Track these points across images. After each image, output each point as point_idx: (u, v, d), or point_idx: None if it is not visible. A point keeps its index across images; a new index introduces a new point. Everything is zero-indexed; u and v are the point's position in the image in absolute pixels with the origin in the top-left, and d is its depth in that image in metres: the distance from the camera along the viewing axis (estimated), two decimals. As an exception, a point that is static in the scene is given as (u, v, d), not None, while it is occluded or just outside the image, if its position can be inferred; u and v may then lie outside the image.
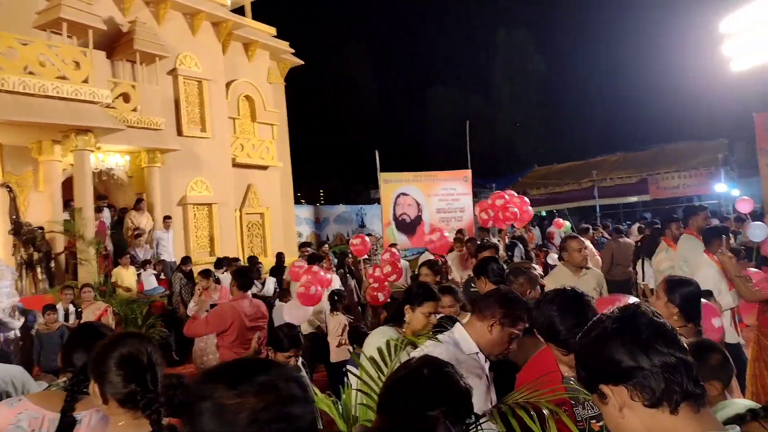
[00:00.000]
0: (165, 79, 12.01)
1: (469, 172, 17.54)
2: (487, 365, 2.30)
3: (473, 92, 34.19)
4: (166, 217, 11.23)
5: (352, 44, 36.33)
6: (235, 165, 13.72)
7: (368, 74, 35.41)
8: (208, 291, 5.79)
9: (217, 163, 12.85)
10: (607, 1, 31.93)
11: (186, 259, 9.56)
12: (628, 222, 20.17)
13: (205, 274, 6.76)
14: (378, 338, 2.86)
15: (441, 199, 17.44)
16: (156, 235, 11.02)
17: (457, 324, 2.43)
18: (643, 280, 6.69)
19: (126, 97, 10.88)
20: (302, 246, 11.34)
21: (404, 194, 17.16)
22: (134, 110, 10.97)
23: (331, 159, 32.44)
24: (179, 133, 12.11)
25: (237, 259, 10.34)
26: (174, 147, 11.73)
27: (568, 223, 16.38)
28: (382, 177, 16.61)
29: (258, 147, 14.49)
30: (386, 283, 6.37)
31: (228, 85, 13.79)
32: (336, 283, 7.15)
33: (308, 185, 27.06)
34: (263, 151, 14.62)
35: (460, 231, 11.28)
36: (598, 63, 32.52)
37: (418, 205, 17.33)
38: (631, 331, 1.11)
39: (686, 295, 2.67)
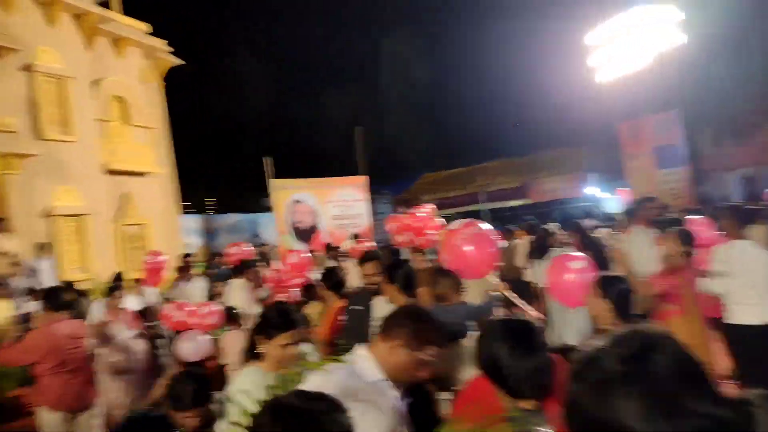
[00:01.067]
0: (18, 76, 10.63)
1: (363, 179, 17.48)
2: (396, 394, 1.92)
3: (362, 98, 34.41)
4: (44, 245, 9.80)
5: (238, 45, 35.13)
6: (109, 172, 12.48)
7: (256, 77, 34.36)
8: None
9: (86, 170, 11.60)
10: (486, 14, 33.68)
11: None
12: (510, 225, 21.12)
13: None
14: (243, 383, 2.38)
15: (336, 206, 17.18)
16: (29, 264, 9.32)
17: (360, 347, 2.09)
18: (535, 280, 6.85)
19: (-30, 94, 9.47)
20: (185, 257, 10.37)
21: (299, 201, 16.70)
22: (-19, 110, 9.57)
23: (220, 166, 30.92)
24: (39, 136, 10.76)
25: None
26: (32, 152, 10.41)
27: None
28: (274, 184, 16.01)
29: (133, 152, 13.30)
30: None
31: (95, 83, 12.53)
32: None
33: (196, 194, 25.50)
34: (140, 156, 13.46)
35: (355, 236, 11.08)
36: (479, 72, 34.14)
37: (313, 212, 16.94)
38: (646, 379, 0.77)
39: (620, 292, 2.64)
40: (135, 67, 13.91)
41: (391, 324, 1.99)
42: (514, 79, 31.23)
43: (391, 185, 28.12)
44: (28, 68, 10.81)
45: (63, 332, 4.22)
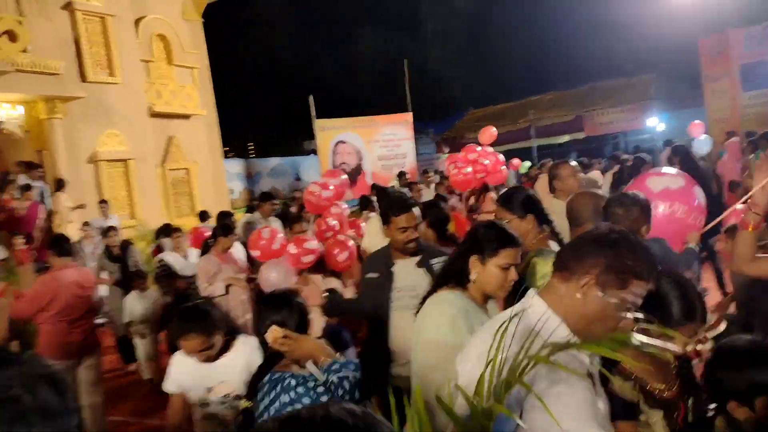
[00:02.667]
0: (60, 15, 10.16)
1: (410, 116, 16.71)
2: (586, 357, 1.40)
3: (402, 32, 32.86)
4: (102, 201, 9.58)
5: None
6: (153, 115, 12.10)
7: (291, 15, 33.18)
8: None
9: (131, 113, 11.24)
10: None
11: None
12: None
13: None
14: (443, 309, 2.01)
15: (382, 146, 16.57)
16: (98, 224, 8.83)
17: (530, 291, 1.53)
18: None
19: (12, 36, 9.07)
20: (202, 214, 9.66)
21: (342, 142, 16.12)
22: (24, 51, 9.19)
23: (258, 108, 30.37)
24: (83, 78, 10.39)
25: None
26: (78, 94, 10.06)
27: (526, 162, 15.92)
28: (318, 124, 15.43)
29: (178, 93, 12.85)
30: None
31: (137, 22, 11.98)
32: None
33: (236, 137, 25.19)
34: (184, 98, 13.01)
35: (401, 174, 10.43)
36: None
37: (358, 152, 16.38)
38: None
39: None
40: (176, 2, 13.24)
41: (576, 255, 1.44)
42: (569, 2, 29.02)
43: (434, 123, 27.14)
44: (68, 7, 10.32)
45: (68, 279, 4.09)
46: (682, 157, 5.74)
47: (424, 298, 2.15)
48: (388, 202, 2.90)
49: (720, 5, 12.42)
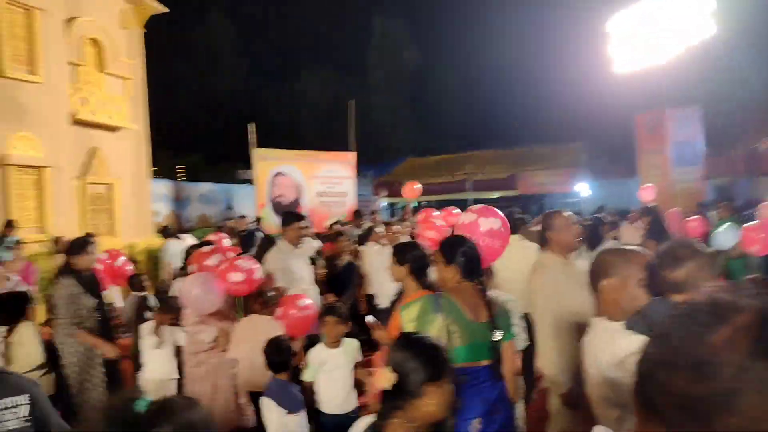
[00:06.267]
0: (-22, 0, 9.10)
1: (353, 155, 16.41)
2: None
3: (348, 76, 33.04)
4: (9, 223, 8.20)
5: (222, 11, 33.11)
6: (76, 122, 11.04)
7: (240, 41, 32.59)
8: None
9: (50, 117, 10.16)
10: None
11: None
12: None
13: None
14: None
15: (322, 182, 16.08)
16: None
17: None
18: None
19: None
20: (162, 230, 9.01)
21: (282, 174, 15.49)
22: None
23: (193, 131, 29.15)
24: (-2, 72, 9.27)
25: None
26: (-11, 88, 8.95)
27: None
28: (258, 153, 14.76)
29: (106, 103, 11.85)
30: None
31: (69, 21, 11.02)
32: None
33: (164, 157, 23.85)
34: (113, 108, 12.01)
35: (356, 212, 10.01)
36: (474, 58, 33.12)
37: (298, 187, 15.78)
38: None
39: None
40: (115, 8, 12.38)
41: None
42: (514, 66, 30.31)
43: (373, 166, 27.08)
44: (-11, -8, 9.29)
45: None
46: (653, 218, 5.66)
47: None
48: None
49: (657, 86, 13.14)
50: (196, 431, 0.82)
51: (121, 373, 4.03)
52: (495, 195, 24.99)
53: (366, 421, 1.67)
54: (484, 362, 2.43)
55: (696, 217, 7.26)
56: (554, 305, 3.18)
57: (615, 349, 1.70)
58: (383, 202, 25.89)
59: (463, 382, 2.34)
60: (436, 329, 2.36)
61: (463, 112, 32.95)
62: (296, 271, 4.57)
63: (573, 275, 3.35)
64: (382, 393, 1.59)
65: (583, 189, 22.45)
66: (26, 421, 1.45)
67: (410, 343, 1.63)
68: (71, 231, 10.45)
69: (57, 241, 8.38)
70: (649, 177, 12.60)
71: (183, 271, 7.67)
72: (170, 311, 4.00)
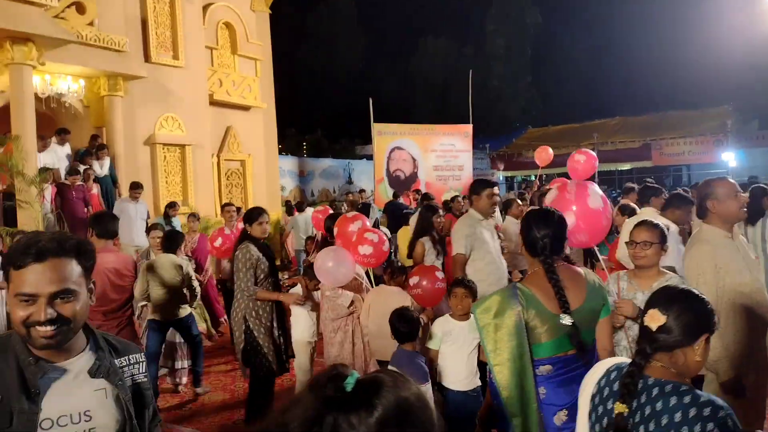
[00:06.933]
0: (128, -9, 9.97)
1: (470, 128, 16.04)
2: None
3: (465, 45, 32.23)
4: (135, 186, 8.58)
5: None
6: (213, 103, 11.84)
7: (358, 19, 33.04)
8: None
9: (191, 99, 10.97)
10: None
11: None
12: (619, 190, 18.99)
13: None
14: None
15: (439, 156, 15.96)
16: (118, 206, 8.46)
17: None
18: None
19: (80, 7, 8.90)
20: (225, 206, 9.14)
21: (399, 148, 15.61)
22: (90, 24, 9.00)
23: (315, 107, 30.26)
24: (147, 58, 10.16)
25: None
26: (140, 74, 9.83)
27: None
28: (376, 128, 14.99)
29: (239, 84, 12.58)
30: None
31: (205, 8, 11.77)
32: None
33: (290, 134, 25.03)
34: (245, 89, 12.72)
35: (425, 196, 9.63)
36: (599, 20, 30.78)
37: (414, 160, 15.82)
38: None
39: None
40: (245, -9, 13.02)
41: None
42: (648, 23, 27.81)
43: (489, 139, 26.39)
44: (137, -16, 10.14)
45: (105, 265, 3.63)
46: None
47: None
48: None
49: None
50: (410, 411, 0.76)
51: (288, 331, 4.27)
52: (626, 166, 23.29)
53: (610, 363, 1.72)
54: (572, 351, 2.22)
55: None
56: (715, 284, 2.84)
57: None
58: (501, 175, 25.20)
59: (548, 373, 2.21)
60: (513, 326, 2.18)
61: (587, 79, 30.90)
62: (488, 240, 4.26)
63: (737, 250, 2.98)
64: (644, 330, 1.63)
65: (730, 159, 20.16)
66: (144, 377, 1.55)
67: (688, 295, 1.65)
68: (209, 204, 11.36)
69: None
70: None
71: (310, 241, 8.00)
72: (315, 277, 4.15)
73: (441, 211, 6.20)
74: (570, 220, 3.34)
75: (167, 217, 8.15)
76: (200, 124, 11.25)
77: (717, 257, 2.89)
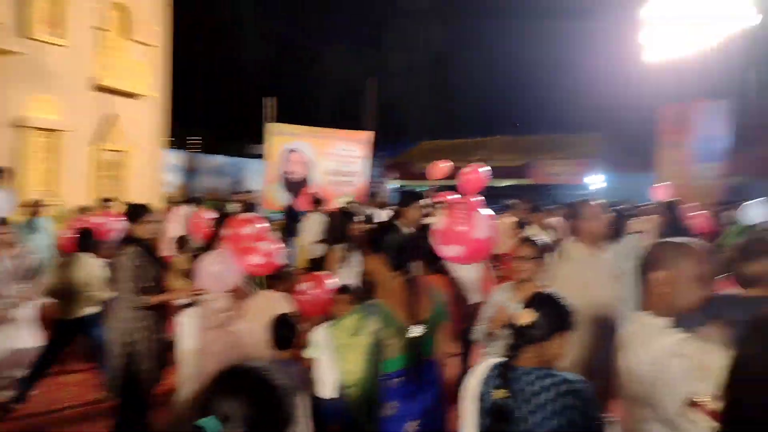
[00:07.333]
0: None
1: (371, 135, 16.29)
2: None
3: (368, 53, 32.75)
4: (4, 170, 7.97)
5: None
6: (98, 88, 11.01)
7: (261, 17, 32.31)
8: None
9: (71, 80, 10.15)
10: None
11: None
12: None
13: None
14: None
15: (336, 160, 16.01)
16: None
17: None
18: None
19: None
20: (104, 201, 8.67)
21: (293, 150, 15.43)
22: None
23: (212, 102, 29.07)
24: (25, 33, 9.24)
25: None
26: (14, 49, 8.93)
27: None
28: (274, 128, 14.69)
29: (129, 70, 11.81)
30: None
31: (95, -15, 10.97)
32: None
33: (181, 129, 23.83)
34: (136, 75, 11.97)
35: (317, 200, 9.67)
36: (497, 41, 32.68)
37: (308, 163, 15.70)
38: None
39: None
40: (141, -28, 12.29)
41: None
42: (536, 51, 29.86)
43: (387, 149, 26.97)
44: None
45: None
46: (672, 213, 5.62)
47: None
48: None
49: (688, 77, 12.83)
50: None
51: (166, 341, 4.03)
52: (506, 183, 24.86)
53: (488, 363, 1.95)
54: (421, 362, 2.33)
55: (705, 212, 7.23)
56: (580, 297, 3.16)
57: (656, 347, 1.67)
58: (392, 184, 25.82)
59: (400, 386, 2.28)
60: (367, 346, 2.22)
61: (481, 97, 32.67)
62: None
63: (600, 266, 3.34)
64: (516, 328, 1.90)
65: (598, 181, 22.28)
66: None
67: (550, 297, 1.98)
68: (80, 195, 10.52)
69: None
70: (666, 172, 12.41)
71: (183, 240, 7.59)
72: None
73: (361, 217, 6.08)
74: (456, 250, 3.53)
75: (33, 215, 7.38)
76: (79, 109, 10.43)
77: (582, 272, 3.22)
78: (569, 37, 27.08)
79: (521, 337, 1.88)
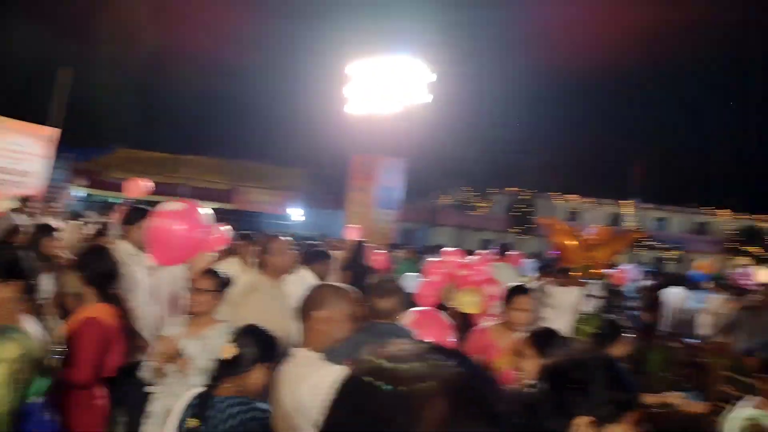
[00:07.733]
0: None
1: (56, 132, 14.14)
2: None
3: (66, 41, 28.52)
4: None
5: None
6: None
7: None
8: None
9: None
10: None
11: None
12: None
13: None
14: None
15: (2, 155, 13.36)
16: None
17: None
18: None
19: None
20: None
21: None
22: None
23: None
24: None
25: None
26: None
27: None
28: None
29: None
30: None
31: None
32: None
33: None
34: None
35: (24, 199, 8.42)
36: (212, 58, 32.18)
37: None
38: None
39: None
40: None
41: None
42: (250, 80, 30.38)
43: (75, 150, 23.73)
44: None
45: None
46: (355, 252, 6.28)
47: None
48: None
49: (378, 132, 14.92)
50: None
51: None
52: (211, 206, 24.35)
53: (192, 392, 2.04)
54: (59, 389, 2.30)
55: (383, 252, 8.45)
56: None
57: (316, 379, 1.82)
58: (78, 192, 22.71)
59: (24, 420, 2.16)
60: (3, 377, 1.99)
61: (187, 112, 31.60)
62: (141, 279, 3.60)
63: (281, 298, 3.51)
64: (219, 363, 2.02)
65: (297, 213, 23.65)
66: None
67: (253, 330, 2.11)
68: None
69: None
70: (354, 212, 14.09)
71: None
72: None
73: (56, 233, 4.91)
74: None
75: None
76: None
77: (265, 304, 3.33)
78: (285, 73, 28.55)
79: (221, 369, 2.00)
